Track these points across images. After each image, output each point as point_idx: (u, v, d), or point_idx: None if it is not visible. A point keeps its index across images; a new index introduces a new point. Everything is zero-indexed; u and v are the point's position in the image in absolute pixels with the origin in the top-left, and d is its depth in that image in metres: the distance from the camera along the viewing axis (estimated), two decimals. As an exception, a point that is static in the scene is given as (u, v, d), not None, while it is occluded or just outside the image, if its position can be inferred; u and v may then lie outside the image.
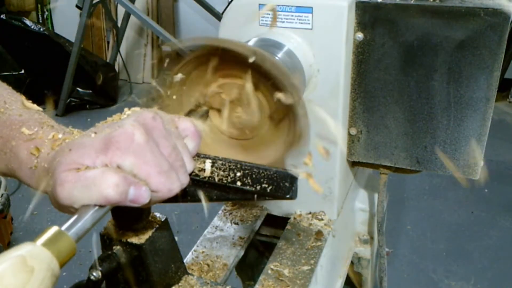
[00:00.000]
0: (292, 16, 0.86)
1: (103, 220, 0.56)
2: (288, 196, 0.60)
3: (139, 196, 0.53)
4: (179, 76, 0.73)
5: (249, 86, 0.73)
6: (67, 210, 0.54)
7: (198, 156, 0.64)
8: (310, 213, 1.02)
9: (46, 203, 0.57)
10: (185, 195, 0.62)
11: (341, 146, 0.94)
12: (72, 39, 3.72)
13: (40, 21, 4.60)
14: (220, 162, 0.63)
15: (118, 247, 0.65)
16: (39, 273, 0.44)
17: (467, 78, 0.85)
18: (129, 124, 0.54)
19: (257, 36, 0.86)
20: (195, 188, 0.62)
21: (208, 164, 0.63)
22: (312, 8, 0.85)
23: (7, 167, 0.60)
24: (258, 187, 0.60)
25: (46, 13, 4.71)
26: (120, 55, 4.30)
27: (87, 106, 3.99)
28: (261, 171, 0.61)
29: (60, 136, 0.59)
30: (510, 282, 2.30)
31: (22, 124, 0.60)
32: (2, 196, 2.36)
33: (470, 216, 2.75)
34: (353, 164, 1.04)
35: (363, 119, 0.94)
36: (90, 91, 3.96)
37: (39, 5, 4.62)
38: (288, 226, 1.00)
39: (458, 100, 0.87)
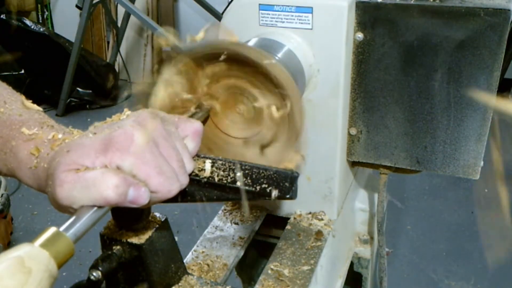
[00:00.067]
0: (292, 16, 0.86)
1: (103, 220, 0.56)
2: (288, 196, 0.60)
3: (138, 197, 0.53)
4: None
5: (249, 86, 0.73)
6: (66, 210, 0.54)
7: (198, 156, 0.64)
8: (310, 213, 1.02)
9: (46, 203, 0.57)
10: (185, 195, 0.62)
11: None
12: (72, 39, 3.72)
13: (40, 21, 4.60)
14: (220, 162, 0.63)
15: (118, 247, 0.65)
16: (37, 274, 0.43)
17: (467, 78, 0.85)
18: (128, 125, 0.54)
19: (257, 36, 0.86)
20: (195, 188, 0.62)
21: (208, 164, 0.63)
22: (312, 8, 0.85)
23: (7, 167, 0.60)
24: (258, 187, 0.60)
25: (46, 13, 4.71)
26: (120, 55, 4.31)
27: (87, 106, 3.99)
28: (261, 171, 0.61)
29: (60, 136, 0.59)
30: (510, 282, 2.30)
31: (22, 124, 0.60)
32: (2, 196, 2.37)
33: (470, 216, 2.75)
34: (353, 164, 1.04)
35: (363, 119, 0.94)
36: (90, 91, 3.96)
37: (39, 5, 4.62)
38: (288, 226, 1.00)
39: (458, 100, 0.87)
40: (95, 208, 0.53)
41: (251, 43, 0.84)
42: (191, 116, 0.72)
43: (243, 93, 0.74)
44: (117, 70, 4.33)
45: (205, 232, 1.01)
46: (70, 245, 0.49)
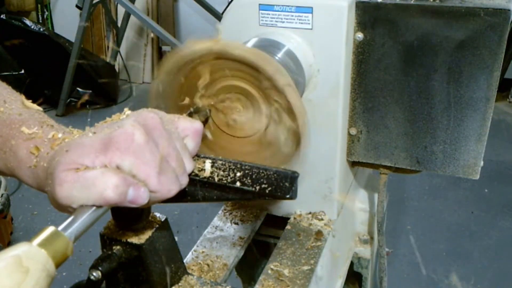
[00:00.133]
0: (292, 16, 0.86)
1: (103, 220, 0.56)
2: (288, 196, 0.60)
3: (138, 197, 0.53)
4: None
5: (249, 86, 0.73)
6: (66, 209, 0.54)
7: (198, 156, 0.64)
8: (310, 213, 1.02)
9: (46, 203, 0.57)
10: (185, 195, 0.62)
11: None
12: (72, 39, 3.72)
13: (40, 21, 4.60)
14: (220, 162, 0.63)
15: (118, 247, 0.65)
16: (34, 273, 0.43)
17: (467, 78, 0.85)
18: (128, 124, 0.54)
19: (257, 36, 0.86)
20: (195, 188, 0.62)
21: (208, 164, 0.63)
22: (312, 8, 0.85)
23: (7, 166, 0.60)
24: (258, 187, 0.60)
25: (46, 13, 4.71)
26: (120, 55, 4.31)
27: (87, 106, 3.99)
28: (261, 171, 0.61)
29: (59, 135, 0.59)
30: (510, 282, 2.30)
31: (22, 123, 0.60)
32: (2, 196, 2.37)
33: (470, 216, 2.75)
34: (353, 164, 1.04)
35: (363, 119, 0.94)
36: (90, 91, 3.96)
37: (39, 5, 4.62)
38: (288, 226, 1.00)
39: (458, 100, 0.87)
40: (94, 207, 0.53)
41: (251, 43, 0.84)
42: (191, 116, 0.72)
43: (247, 95, 0.74)
44: (117, 70, 4.33)
45: (205, 232, 1.01)
46: (69, 244, 0.49)
